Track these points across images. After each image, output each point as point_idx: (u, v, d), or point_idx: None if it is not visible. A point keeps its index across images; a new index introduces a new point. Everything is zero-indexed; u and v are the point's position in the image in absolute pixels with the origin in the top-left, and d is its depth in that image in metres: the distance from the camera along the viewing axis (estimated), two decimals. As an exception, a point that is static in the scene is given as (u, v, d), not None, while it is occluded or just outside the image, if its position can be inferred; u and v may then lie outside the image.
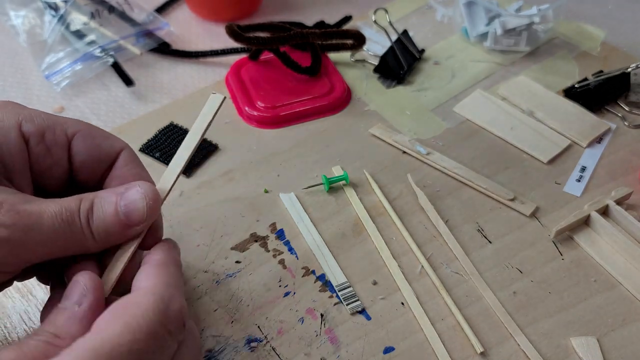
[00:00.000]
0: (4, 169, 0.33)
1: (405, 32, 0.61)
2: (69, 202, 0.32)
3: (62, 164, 0.35)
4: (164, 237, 0.36)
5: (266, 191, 0.48)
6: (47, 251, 0.31)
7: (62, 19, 0.62)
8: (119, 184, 0.35)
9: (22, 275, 0.35)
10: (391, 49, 0.59)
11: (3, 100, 0.35)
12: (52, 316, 0.30)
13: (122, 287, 0.33)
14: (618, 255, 0.43)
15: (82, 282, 0.31)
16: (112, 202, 0.32)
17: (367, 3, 0.68)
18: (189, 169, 0.50)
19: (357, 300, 0.41)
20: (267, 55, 0.59)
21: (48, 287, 0.37)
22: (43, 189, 0.35)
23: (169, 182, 0.35)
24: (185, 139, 0.36)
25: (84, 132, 0.35)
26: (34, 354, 0.27)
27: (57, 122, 0.35)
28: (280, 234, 0.45)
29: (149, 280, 0.31)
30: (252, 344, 0.39)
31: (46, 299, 0.35)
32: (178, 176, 0.36)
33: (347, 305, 0.41)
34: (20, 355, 0.27)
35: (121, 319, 0.28)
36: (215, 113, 0.36)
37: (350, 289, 0.42)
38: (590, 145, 0.52)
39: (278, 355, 0.38)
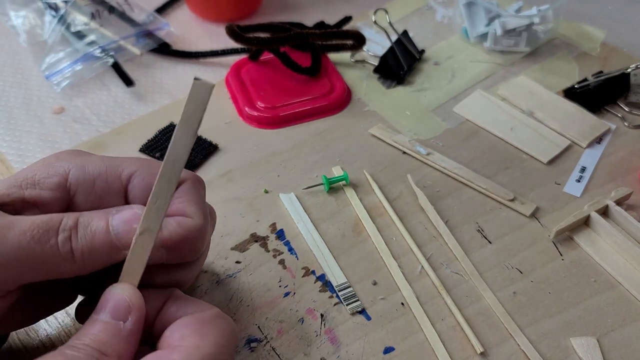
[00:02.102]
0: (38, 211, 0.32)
1: (405, 33, 0.61)
2: (46, 218, 0.29)
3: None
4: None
5: (266, 191, 0.48)
6: (12, 273, 0.29)
7: (62, 20, 0.62)
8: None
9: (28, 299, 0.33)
10: (391, 49, 0.59)
11: (66, 150, 0.34)
12: (91, 329, 0.29)
13: None
14: (618, 255, 0.43)
15: (127, 297, 0.29)
16: (102, 219, 0.30)
17: (367, 3, 0.68)
18: (190, 169, 0.50)
19: (357, 300, 0.41)
20: (267, 56, 0.59)
21: None
22: None
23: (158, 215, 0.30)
24: (171, 145, 0.30)
25: (140, 173, 0.33)
26: None
27: (112, 167, 0.33)
28: (280, 234, 0.45)
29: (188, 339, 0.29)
30: (252, 344, 0.39)
31: None
32: (174, 187, 0.30)
33: (347, 305, 0.41)
34: None
35: None
36: (204, 109, 0.29)
37: (350, 289, 0.42)
38: (590, 145, 0.52)
39: (278, 355, 0.38)
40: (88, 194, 0.33)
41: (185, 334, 0.29)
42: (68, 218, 0.30)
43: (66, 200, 0.32)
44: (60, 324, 0.40)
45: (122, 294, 0.30)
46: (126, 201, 0.33)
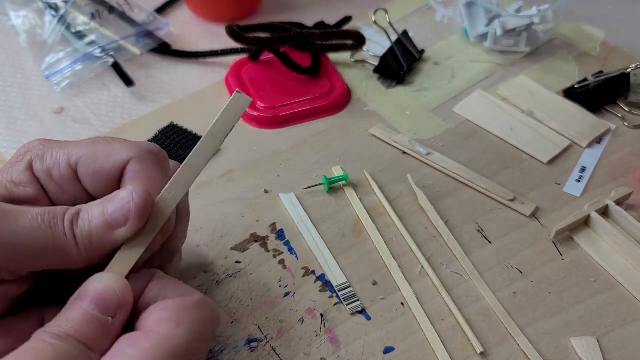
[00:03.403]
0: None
1: (405, 33, 0.61)
2: (53, 207, 0.31)
3: (80, 195, 0.34)
4: None
5: (266, 191, 0.48)
6: (25, 256, 0.29)
7: (62, 20, 0.62)
8: None
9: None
10: (391, 49, 0.59)
11: (37, 140, 0.35)
12: (72, 315, 0.29)
13: None
14: (618, 255, 0.43)
15: (118, 292, 0.29)
16: (99, 207, 0.31)
17: (367, 3, 0.68)
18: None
19: (357, 300, 0.41)
20: (267, 56, 0.59)
21: None
22: None
23: (180, 190, 0.33)
24: (200, 143, 0.33)
25: (84, 160, 0.33)
26: None
27: (63, 155, 0.34)
28: (280, 234, 0.45)
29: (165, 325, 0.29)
30: (252, 344, 0.39)
31: None
32: (191, 183, 0.33)
33: (347, 305, 0.41)
34: None
35: None
36: (239, 116, 0.33)
37: (350, 289, 0.42)
38: (590, 145, 0.52)
39: (278, 355, 0.38)
40: (48, 183, 0.34)
41: (162, 318, 0.29)
42: (72, 208, 0.31)
43: (42, 190, 0.34)
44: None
45: (111, 287, 0.30)
46: (81, 186, 0.34)
